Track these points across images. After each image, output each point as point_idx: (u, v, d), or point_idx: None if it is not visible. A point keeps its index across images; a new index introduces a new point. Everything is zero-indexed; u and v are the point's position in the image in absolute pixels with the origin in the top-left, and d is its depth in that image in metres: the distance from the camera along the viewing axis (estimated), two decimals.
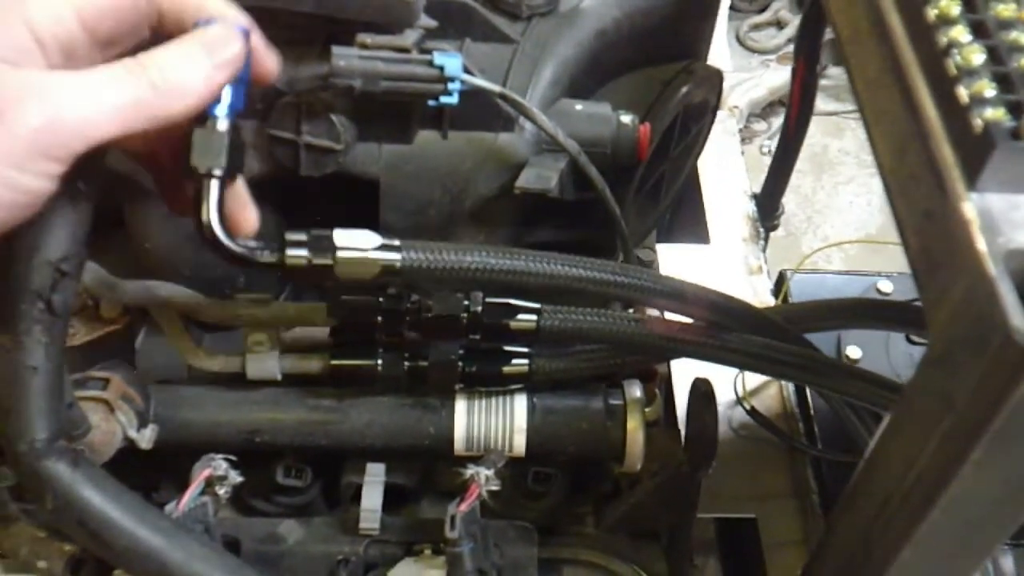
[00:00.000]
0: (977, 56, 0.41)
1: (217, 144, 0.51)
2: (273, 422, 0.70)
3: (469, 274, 0.58)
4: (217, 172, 0.51)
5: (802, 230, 2.25)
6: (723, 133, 1.25)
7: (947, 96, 0.41)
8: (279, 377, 0.69)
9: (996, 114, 0.39)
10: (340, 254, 0.55)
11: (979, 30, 0.42)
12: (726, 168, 1.20)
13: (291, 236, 0.55)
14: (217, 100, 0.51)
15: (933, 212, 0.40)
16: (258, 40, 0.54)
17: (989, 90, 0.40)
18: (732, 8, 2.56)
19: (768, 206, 1.19)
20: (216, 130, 0.51)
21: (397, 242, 0.57)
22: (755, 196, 1.19)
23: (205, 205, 0.51)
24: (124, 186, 0.66)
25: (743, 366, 0.77)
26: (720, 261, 1.10)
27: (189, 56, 0.49)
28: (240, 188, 0.56)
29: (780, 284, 1.10)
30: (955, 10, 0.43)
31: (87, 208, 0.53)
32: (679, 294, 0.65)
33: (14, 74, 0.45)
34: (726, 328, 0.66)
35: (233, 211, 0.54)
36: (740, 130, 2.09)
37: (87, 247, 0.54)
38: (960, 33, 0.42)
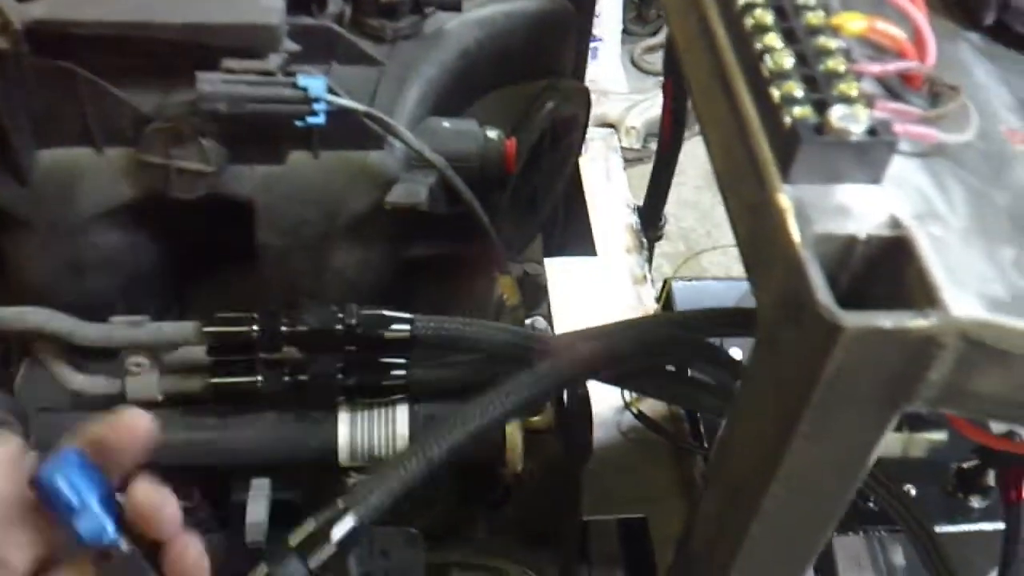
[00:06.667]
0: (788, 60, 0.44)
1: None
2: (156, 443, 0.70)
3: None
4: None
5: (702, 244, 2.31)
6: (606, 149, 1.29)
7: (762, 97, 0.44)
8: (159, 398, 0.69)
9: (803, 112, 0.42)
10: None
11: (790, 36, 0.46)
12: (610, 183, 1.24)
13: None
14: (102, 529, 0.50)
15: (755, 204, 0.44)
16: None
17: (798, 90, 0.43)
18: (625, 32, 2.60)
19: (651, 217, 1.22)
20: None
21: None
22: (638, 208, 1.23)
23: None
24: None
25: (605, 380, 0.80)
26: (606, 272, 1.14)
27: None
28: None
29: (664, 292, 1.13)
30: (769, 19, 0.46)
31: None
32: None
33: None
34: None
35: None
36: (638, 149, 2.14)
37: None
38: (773, 40, 0.45)
